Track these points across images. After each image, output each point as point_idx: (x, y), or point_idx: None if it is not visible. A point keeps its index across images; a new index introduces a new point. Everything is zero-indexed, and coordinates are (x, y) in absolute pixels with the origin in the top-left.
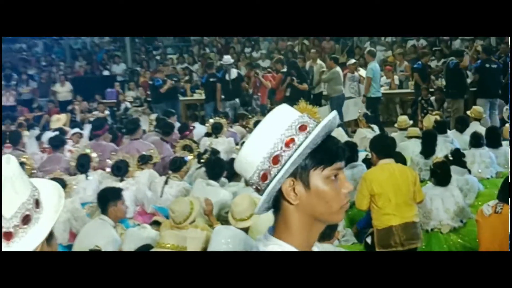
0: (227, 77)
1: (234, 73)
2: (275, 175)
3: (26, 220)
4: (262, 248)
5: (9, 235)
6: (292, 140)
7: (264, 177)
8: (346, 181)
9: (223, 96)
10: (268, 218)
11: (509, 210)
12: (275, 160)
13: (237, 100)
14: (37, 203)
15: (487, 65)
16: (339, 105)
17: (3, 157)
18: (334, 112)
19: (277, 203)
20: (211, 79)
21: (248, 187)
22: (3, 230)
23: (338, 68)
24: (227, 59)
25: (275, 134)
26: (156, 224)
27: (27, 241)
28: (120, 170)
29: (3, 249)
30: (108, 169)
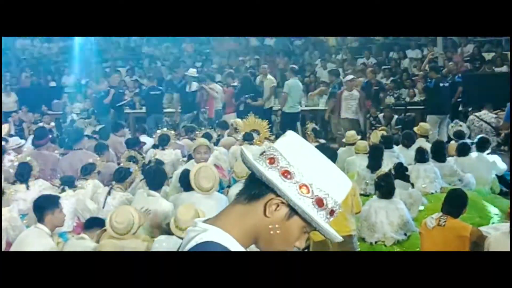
0: (187, 89)
1: (194, 86)
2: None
3: None
4: (202, 236)
5: None
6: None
7: (286, 174)
8: (304, 240)
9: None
10: None
11: (510, 211)
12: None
13: (195, 112)
14: None
15: (441, 84)
16: None
17: None
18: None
19: (253, 197)
20: (152, 92)
21: (188, 194)
22: None
23: None
24: (192, 72)
25: None
26: None
27: None
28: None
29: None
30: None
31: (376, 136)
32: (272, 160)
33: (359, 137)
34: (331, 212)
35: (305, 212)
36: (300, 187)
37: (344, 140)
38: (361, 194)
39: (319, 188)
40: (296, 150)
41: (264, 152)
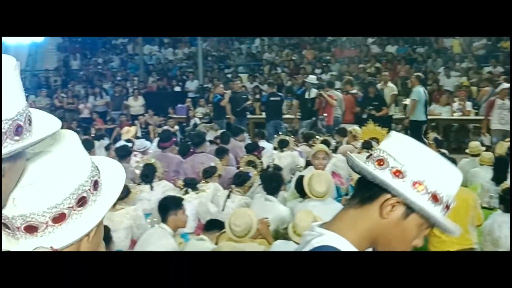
0: (306, 96)
1: (313, 92)
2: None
3: (81, 202)
4: (318, 240)
5: (61, 217)
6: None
7: (397, 173)
8: (422, 238)
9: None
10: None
11: (510, 212)
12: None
13: (314, 118)
14: (95, 185)
15: None
16: None
17: (65, 133)
18: None
19: (366, 200)
20: (272, 98)
21: (305, 202)
22: (56, 211)
23: None
24: (312, 79)
25: None
26: None
27: (80, 223)
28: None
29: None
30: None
31: (502, 147)
32: (381, 162)
33: (483, 148)
34: (447, 207)
35: (422, 209)
36: (414, 185)
37: (467, 151)
38: (484, 207)
39: (433, 183)
40: (403, 149)
41: (371, 155)
